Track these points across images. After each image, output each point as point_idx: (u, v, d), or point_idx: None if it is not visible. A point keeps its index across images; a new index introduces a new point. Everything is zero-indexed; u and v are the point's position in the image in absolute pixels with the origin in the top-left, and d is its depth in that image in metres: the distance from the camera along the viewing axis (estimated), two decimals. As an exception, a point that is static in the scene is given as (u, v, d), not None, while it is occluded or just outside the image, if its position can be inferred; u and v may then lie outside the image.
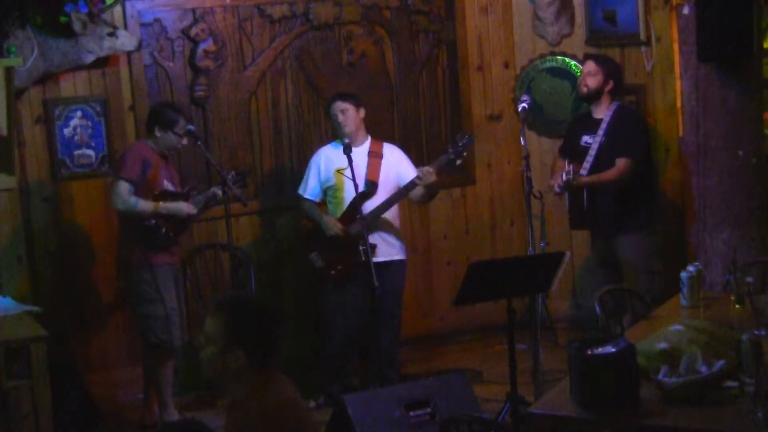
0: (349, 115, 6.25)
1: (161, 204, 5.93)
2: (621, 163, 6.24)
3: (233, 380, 3.28)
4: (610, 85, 6.37)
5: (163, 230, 5.94)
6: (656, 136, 6.97)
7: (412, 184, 6.15)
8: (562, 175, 6.22)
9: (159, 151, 6.03)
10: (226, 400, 3.41)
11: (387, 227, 6.29)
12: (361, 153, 6.26)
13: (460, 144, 6.14)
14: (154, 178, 5.97)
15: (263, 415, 3.20)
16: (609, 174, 6.25)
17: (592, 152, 6.30)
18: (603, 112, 6.38)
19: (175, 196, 6.03)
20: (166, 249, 6.01)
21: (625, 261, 6.41)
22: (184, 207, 6.00)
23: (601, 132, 6.30)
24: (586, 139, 6.39)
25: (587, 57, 6.65)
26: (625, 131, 6.30)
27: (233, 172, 6.25)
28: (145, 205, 5.89)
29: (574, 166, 6.26)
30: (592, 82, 6.37)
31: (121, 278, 6.24)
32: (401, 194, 6.22)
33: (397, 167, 6.34)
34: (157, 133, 6.01)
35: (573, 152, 6.45)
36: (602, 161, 6.29)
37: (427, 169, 6.10)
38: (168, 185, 6.05)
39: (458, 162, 6.23)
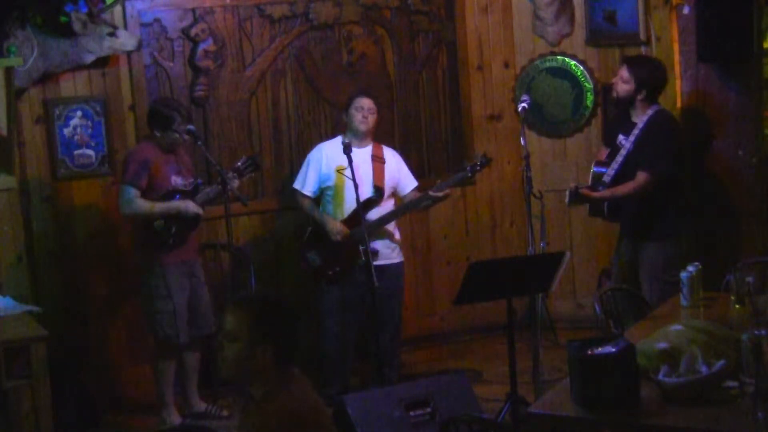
0: (374, 117, 6.32)
1: (157, 204, 5.94)
2: (641, 177, 5.98)
3: (256, 378, 3.27)
4: (643, 93, 6.05)
5: (173, 230, 5.97)
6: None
7: (426, 200, 6.21)
8: (568, 190, 6.10)
9: (163, 147, 6.04)
10: (244, 398, 3.40)
11: (387, 232, 6.32)
12: (364, 155, 6.27)
13: (478, 164, 6.17)
14: (159, 177, 5.99)
15: (286, 415, 3.19)
16: (625, 188, 6.01)
17: (619, 158, 6.08)
18: (638, 116, 6.10)
19: (183, 193, 6.04)
20: (177, 247, 6.02)
21: (644, 267, 6.14)
22: (188, 206, 6.00)
23: (632, 138, 6.05)
24: (621, 139, 6.14)
25: (623, 60, 6.30)
26: (652, 143, 6.02)
27: (244, 158, 6.22)
28: (144, 206, 5.92)
29: (596, 171, 6.14)
30: (622, 89, 6.09)
31: (138, 274, 6.29)
32: (409, 208, 6.28)
33: (397, 173, 6.39)
34: (157, 133, 6.05)
35: (611, 146, 6.24)
36: (629, 168, 6.05)
37: (445, 192, 6.17)
38: (177, 181, 6.07)
39: (471, 178, 6.44)
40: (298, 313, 3.38)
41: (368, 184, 6.23)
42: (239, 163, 6.15)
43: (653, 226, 6.08)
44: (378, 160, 6.33)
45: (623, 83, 6.09)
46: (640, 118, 6.10)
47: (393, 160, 6.41)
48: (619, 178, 6.07)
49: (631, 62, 6.19)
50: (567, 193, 6.08)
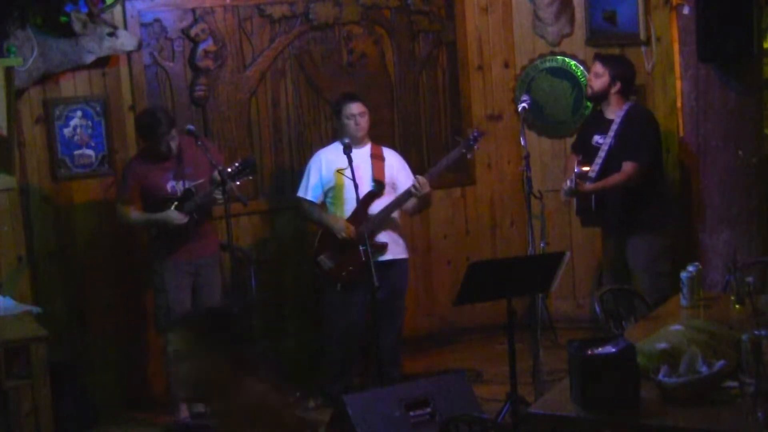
0: (366, 118, 6.30)
1: (136, 215, 6.12)
2: (628, 167, 6.10)
3: (215, 394, 3.23)
4: (617, 86, 6.19)
5: (165, 237, 6.07)
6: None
7: (408, 193, 6.18)
8: (566, 182, 6.16)
9: (158, 156, 6.08)
10: (210, 415, 3.37)
11: (393, 226, 6.33)
12: (362, 154, 6.27)
13: (471, 138, 6.17)
14: (151, 187, 6.08)
15: (247, 425, 3.17)
16: (614, 179, 6.12)
17: (602, 153, 6.17)
18: (614, 112, 6.22)
19: (172, 201, 6.06)
20: (176, 250, 6.08)
21: (634, 262, 6.26)
22: (167, 218, 6.03)
23: (611, 133, 6.16)
24: (597, 139, 6.25)
25: (595, 57, 6.45)
26: (634, 134, 6.15)
27: (237, 162, 6.18)
28: (131, 219, 6.17)
29: (579, 171, 6.20)
30: (597, 84, 6.23)
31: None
32: (401, 200, 6.25)
33: (396, 171, 6.37)
34: (150, 143, 6.13)
35: (585, 150, 6.35)
36: (612, 163, 6.16)
37: (423, 179, 6.14)
38: (173, 187, 6.09)
39: (469, 156, 6.34)
40: (249, 322, 3.33)
41: (368, 179, 6.23)
42: (230, 169, 6.00)
43: (637, 220, 6.20)
44: (377, 158, 6.34)
45: (597, 78, 6.25)
46: (617, 113, 6.22)
47: (393, 159, 6.42)
48: (604, 173, 6.17)
49: (603, 57, 6.38)
50: (568, 186, 6.10)
